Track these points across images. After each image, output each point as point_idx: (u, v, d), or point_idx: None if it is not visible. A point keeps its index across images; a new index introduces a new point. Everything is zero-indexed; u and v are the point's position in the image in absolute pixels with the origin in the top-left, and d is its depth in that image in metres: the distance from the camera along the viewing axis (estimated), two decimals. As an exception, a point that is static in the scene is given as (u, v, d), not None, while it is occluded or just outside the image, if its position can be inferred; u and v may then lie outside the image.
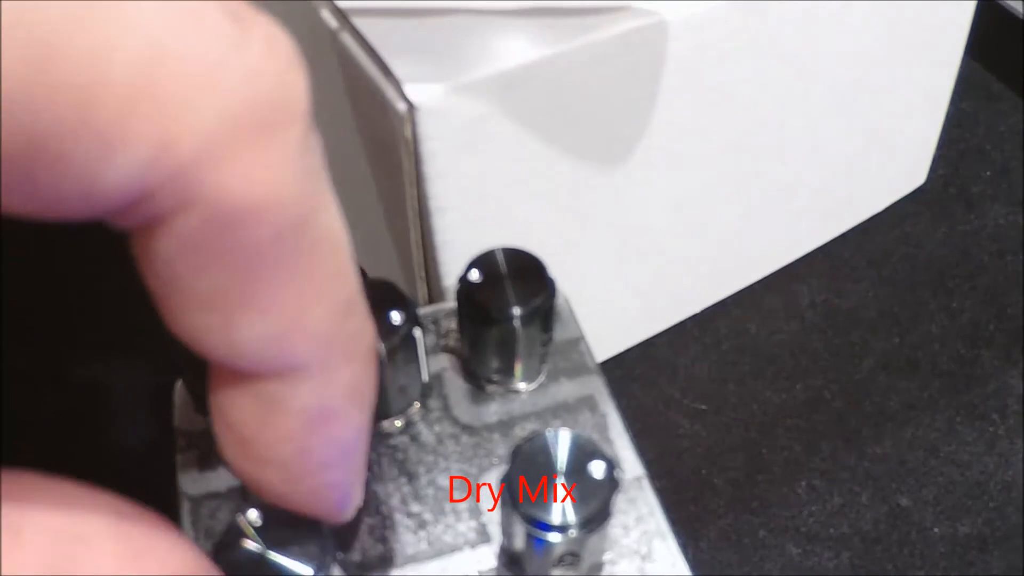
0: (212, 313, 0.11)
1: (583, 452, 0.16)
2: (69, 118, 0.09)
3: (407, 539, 0.18)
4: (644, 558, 0.18)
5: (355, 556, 0.18)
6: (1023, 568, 0.27)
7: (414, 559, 0.18)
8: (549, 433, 0.16)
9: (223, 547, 0.15)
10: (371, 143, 0.24)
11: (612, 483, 0.16)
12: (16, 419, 0.28)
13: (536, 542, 0.16)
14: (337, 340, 0.13)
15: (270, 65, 0.11)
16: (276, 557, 0.14)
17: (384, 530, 0.18)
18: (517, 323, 0.18)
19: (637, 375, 0.31)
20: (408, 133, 0.21)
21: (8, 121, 0.09)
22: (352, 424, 0.14)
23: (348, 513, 0.15)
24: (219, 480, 0.19)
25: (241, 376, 0.13)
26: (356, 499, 0.15)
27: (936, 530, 0.28)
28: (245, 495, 0.19)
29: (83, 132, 0.10)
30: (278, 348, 0.12)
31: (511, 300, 0.18)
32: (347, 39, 0.23)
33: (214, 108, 0.10)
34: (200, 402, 0.19)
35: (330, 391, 0.13)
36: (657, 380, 0.31)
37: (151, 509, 0.12)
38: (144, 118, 0.10)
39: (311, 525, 0.14)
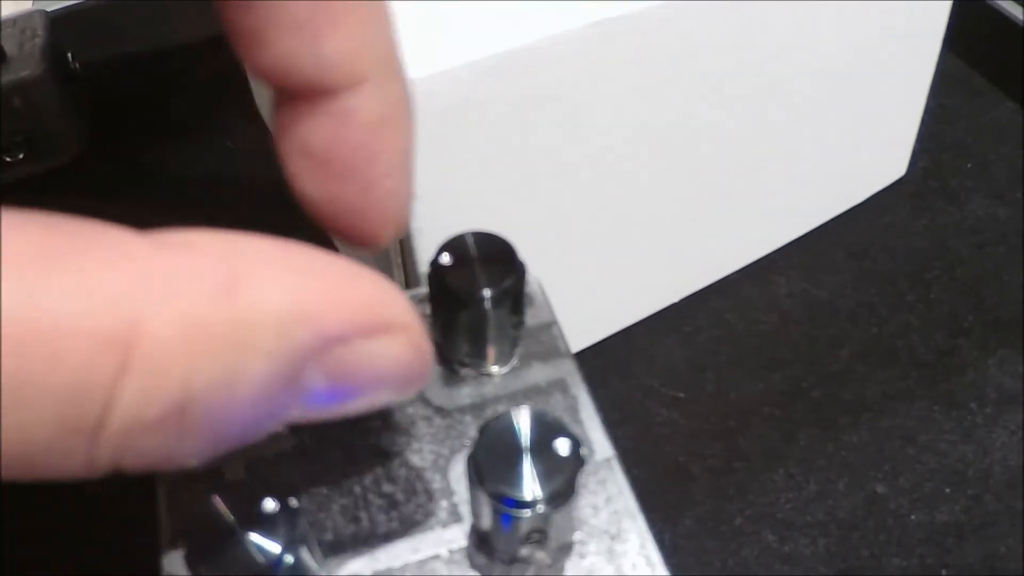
0: (303, 33, 0.15)
1: (549, 430, 0.16)
2: None
3: (379, 519, 0.18)
4: (613, 538, 0.18)
5: (327, 536, 0.18)
6: (1000, 556, 0.27)
7: (385, 538, 0.18)
8: (515, 411, 0.16)
9: (199, 526, 0.15)
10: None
11: (578, 460, 0.16)
12: None
13: (503, 519, 0.16)
14: (391, 56, 0.16)
15: None
16: (248, 535, 0.15)
17: (356, 510, 0.18)
18: (487, 305, 0.18)
19: (615, 364, 0.32)
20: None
21: None
22: (406, 131, 0.17)
23: (404, 224, 0.18)
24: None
25: (317, 101, 0.16)
26: (408, 214, 0.18)
27: (913, 517, 0.28)
28: (221, 476, 0.19)
29: None
30: (354, 58, 0.15)
31: (481, 283, 0.18)
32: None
33: None
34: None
35: (389, 99, 0.16)
36: (635, 369, 0.31)
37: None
38: None
39: (284, 505, 0.15)
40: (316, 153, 0.16)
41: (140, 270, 0.11)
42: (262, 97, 0.38)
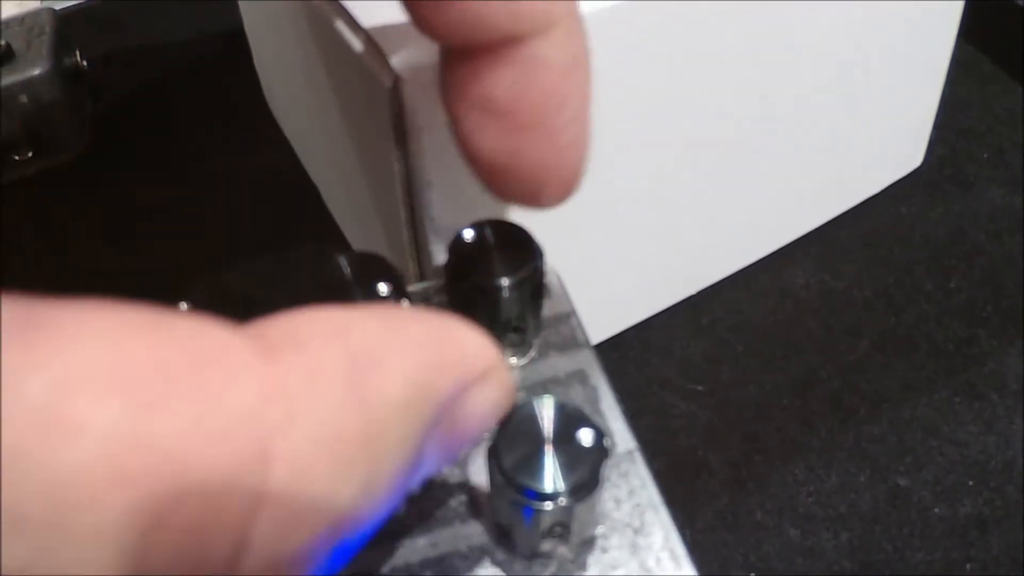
0: None
1: (571, 420, 0.16)
2: None
3: (396, 514, 0.18)
4: (636, 531, 0.18)
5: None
6: (1023, 548, 0.27)
7: (403, 534, 0.17)
8: (536, 401, 0.16)
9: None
10: (358, 118, 0.24)
11: (601, 451, 0.15)
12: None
13: (525, 512, 0.15)
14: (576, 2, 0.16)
15: None
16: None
17: (373, 506, 0.18)
18: (506, 294, 0.18)
19: (632, 357, 0.31)
20: (394, 107, 0.21)
21: None
22: (589, 71, 0.16)
23: (581, 177, 0.17)
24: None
25: (501, 52, 0.15)
26: (584, 168, 0.17)
27: (936, 510, 0.28)
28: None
29: None
30: (546, 3, 0.15)
31: (499, 271, 0.18)
32: (332, 13, 0.23)
33: None
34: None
35: (576, 41, 0.16)
36: (652, 361, 0.31)
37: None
38: None
39: None
40: (501, 105, 0.16)
41: (260, 384, 0.10)
42: (272, 90, 0.38)
